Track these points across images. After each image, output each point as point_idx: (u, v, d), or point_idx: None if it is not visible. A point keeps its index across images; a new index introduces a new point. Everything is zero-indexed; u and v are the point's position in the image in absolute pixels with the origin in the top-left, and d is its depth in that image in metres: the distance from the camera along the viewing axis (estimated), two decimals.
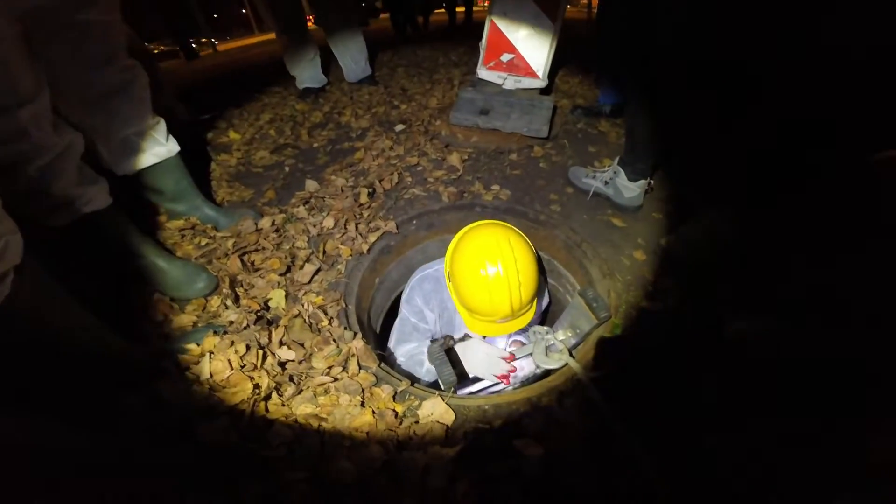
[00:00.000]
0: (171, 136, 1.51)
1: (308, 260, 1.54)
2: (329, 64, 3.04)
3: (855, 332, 1.11)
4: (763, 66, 1.37)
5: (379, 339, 1.85)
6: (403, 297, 1.57)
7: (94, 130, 1.35)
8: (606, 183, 1.73)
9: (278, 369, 1.16)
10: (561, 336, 1.40)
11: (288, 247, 1.59)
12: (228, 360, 1.14)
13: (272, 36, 2.73)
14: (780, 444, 0.98)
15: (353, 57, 2.88)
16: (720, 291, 1.37)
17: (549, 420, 1.12)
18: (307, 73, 2.80)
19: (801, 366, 1.09)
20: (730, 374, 1.14)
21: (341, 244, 1.63)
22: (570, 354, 1.35)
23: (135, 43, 1.95)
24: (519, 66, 2.23)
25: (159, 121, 1.47)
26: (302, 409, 1.10)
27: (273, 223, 1.66)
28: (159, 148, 1.46)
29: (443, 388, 1.22)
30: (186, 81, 3.24)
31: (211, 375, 1.12)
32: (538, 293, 1.38)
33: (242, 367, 1.15)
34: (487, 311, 1.27)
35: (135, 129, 1.39)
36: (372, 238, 1.70)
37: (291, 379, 1.15)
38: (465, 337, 1.56)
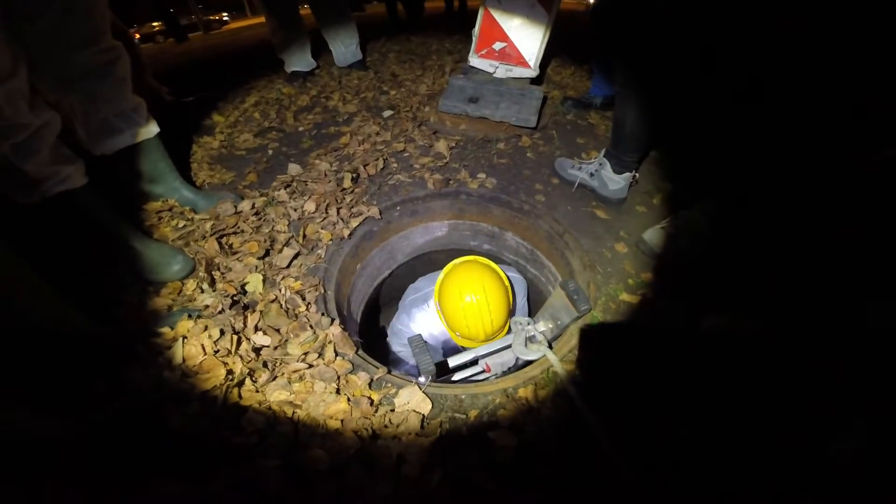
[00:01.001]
0: (151, 118, 1.47)
1: (287, 244, 1.50)
2: (319, 48, 2.95)
3: (826, 331, 1.12)
4: (758, 62, 1.36)
5: (359, 327, 1.83)
6: (398, 313, 1.92)
7: (73, 110, 1.31)
8: (592, 175, 1.71)
9: (252, 355, 1.13)
10: (541, 327, 1.39)
11: (267, 230, 1.54)
12: (202, 345, 1.11)
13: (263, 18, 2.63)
14: (750, 440, 0.98)
15: (343, 41, 2.80)
16: (698, 287, 1.36)
17: (524, 411, 1.11)
18: (296, 56, 2.72)
19: (771, 362, 1.09)
20: (703, 367, 1.14)
21: (322, 228, 1.59)
22: (549, 346, 1.34)
23: (113, 24, 1.88)
24: (511, 55, 2.18)
25: (140, 102, 1.43)
26: (276, 395, 1.07)
27: (253, 206, 1.61)
28: (138, 129, 1.42)
29: (421, 376, 1.20)
30: (175, 63, 3.13)
31: (183, 360, 1.09)
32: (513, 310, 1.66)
33: (216, 352, 1.12)
34: (465, 334, 1.54)
35: (115, 109, 1.35)
36: (354, 223, 1.66)
37: (265, 365, 1.12)
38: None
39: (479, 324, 1.47)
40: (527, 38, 2.11)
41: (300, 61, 2.74)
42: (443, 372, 1.42)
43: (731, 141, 1.57)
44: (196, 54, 3.37)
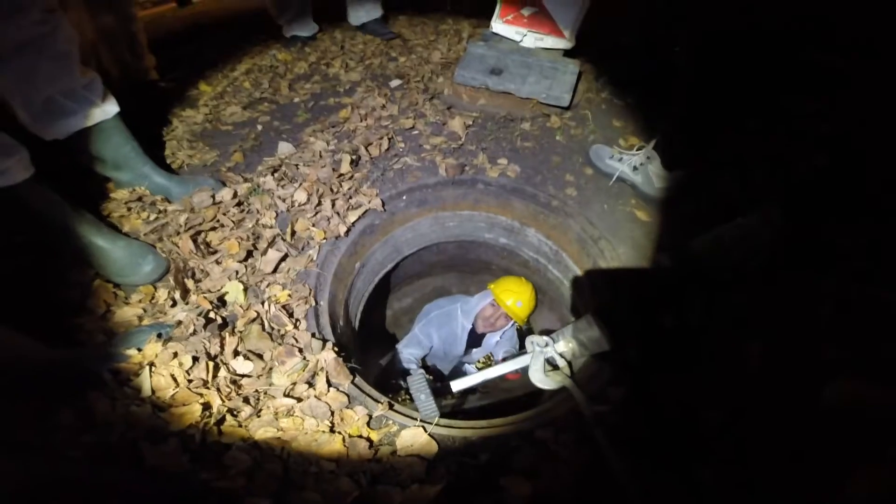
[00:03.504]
0: (109, 96, 1.34)
1: (273, 243, 1.38)
2: (323, 6, 2.65)
3: None
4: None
5: (358, 335, 1.73)
6: (420, 323, 2.44)
7: (9, 91, 1.20)
8: (635, 168, 1.55)
9: (232, 387, 1.04)
10: (562, 347, 1.28)
11: (251, 224, 1.42)
12: (172, 375, 1.01)
13: None
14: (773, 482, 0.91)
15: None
16: (753, 313, 1.23)
17: (542, 456, 1.03)
18: (296, 19, 2.40)
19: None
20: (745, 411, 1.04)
21: (314, 225, 1.47)
22: (571, 374, 1.23)
23: None
24: (542, 23, 1.96)
25: (94, 78, 1.31)
26: (261, 432, 0.99)
27: (235, 195, 1.49)
28: (93, 109, 1.30)
29: (422, 419, 1.10)
30: (171, 30, 2.93)
31: (153, 392, 1.00)
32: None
33: (190, 381, 1.02)
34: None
35: (59, 87, 1.23)
36: (352, 217, 1.53)
37: (247, 401, 1.03)
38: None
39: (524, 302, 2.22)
40: (563, 5, 1.88)
41: (300, 25, 2.44)
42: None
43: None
44: (197, 19, 3.15)
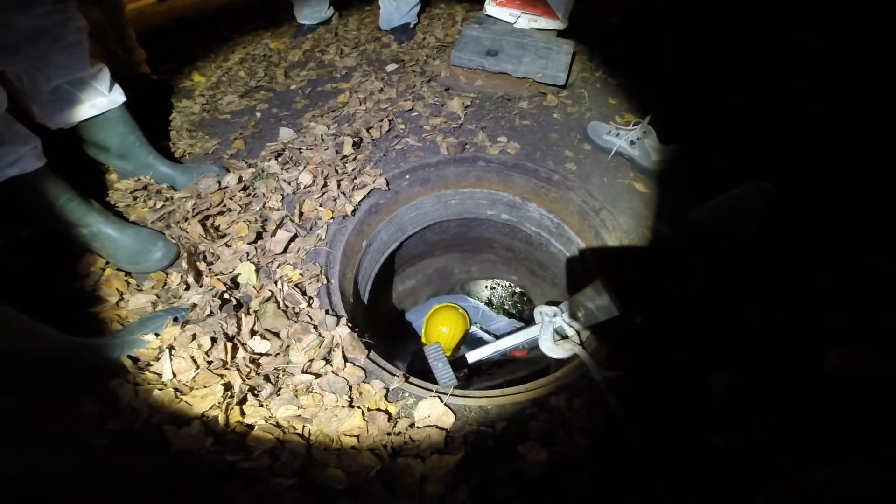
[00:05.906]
0: (116, 86, 1.30)
1: (282, 224, 1.35)
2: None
3: None
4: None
5: (367, 311, 1.71)
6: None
7: (20, 79, 1.15)
8: (633, 143, 1.52)
9: (251, 366, 1.01)
10: (568, 318, 1.28)
11: (258, 208, 1.39)
12: (192, 358, 0.99)
13: None
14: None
15: None
16: (749, 280, 1.22)
17: (557, 422, 1.02)
18: (311, 5, 2.28)
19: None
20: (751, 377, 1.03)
21: (321, 205, 1.43)
22: (581, 343, 1.22)
23: None
24: (535, 5, 1.92)
25: (101, 68, 1.26)
26: (282, 411, 0.97)
27: (240, 180, 1.45)
28: (100, 98, 1.25)
29: (440, 388, 1.09)
30: (156, 23, 2.83)
31: (174, 375, 0.98)
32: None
33: (210, 363, 1.00)
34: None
35: (69, 77, 1.18)
36: (357, 197, 1.50)
37: (267, 379, 1.01)
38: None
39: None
40: None
41: (313, 11, 2.30)
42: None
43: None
44: (178, 13, 3.05)
